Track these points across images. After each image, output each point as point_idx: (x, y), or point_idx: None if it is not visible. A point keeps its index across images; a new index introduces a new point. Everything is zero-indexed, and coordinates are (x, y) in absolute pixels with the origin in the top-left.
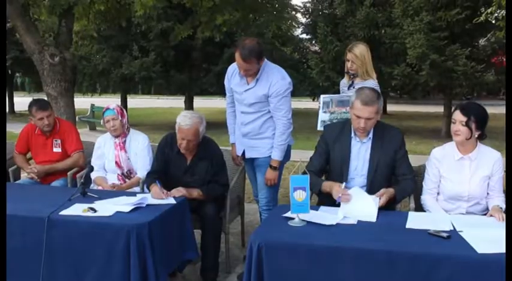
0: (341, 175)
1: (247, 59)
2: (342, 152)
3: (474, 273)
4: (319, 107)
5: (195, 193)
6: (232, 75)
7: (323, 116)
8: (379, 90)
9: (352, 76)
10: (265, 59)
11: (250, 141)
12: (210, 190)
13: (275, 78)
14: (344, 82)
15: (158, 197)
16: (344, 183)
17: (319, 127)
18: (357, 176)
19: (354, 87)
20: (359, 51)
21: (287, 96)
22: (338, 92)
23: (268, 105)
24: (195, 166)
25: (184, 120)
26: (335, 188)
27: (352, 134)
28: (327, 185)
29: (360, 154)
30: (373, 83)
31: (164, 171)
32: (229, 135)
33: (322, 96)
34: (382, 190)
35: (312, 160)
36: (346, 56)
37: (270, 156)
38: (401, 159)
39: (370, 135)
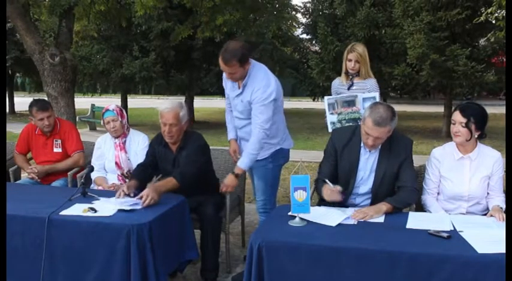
0: (347, 183)
1: (229, 63)
2: (351, 161)
3: (474, 273)
4: (325, 108)
5: (163, 188)
6: (226, 79)
7: (331, 118)
8: (379, 89)
9: (351, 76)
10: (255, 63)
11: (246, 144)
12: (183, 172)
13: (257, 85)
14: (339, 82)
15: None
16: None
17: (330, 129)
18: (362, 185)
19: (354, 87)
20: (362, 51)
21: (267, 106)
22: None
23: None
24: (179, 157)
25: (166, 105)
26: (324, 191)
27: (362, 143)
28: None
29: (367, 165)
30: (373, 81)
31: (152, 165)
32: (228, 133)
33: (326, 97)
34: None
35: (321, 166)
36: (347, 56)
37: (264, 159)
38: (404, 167)
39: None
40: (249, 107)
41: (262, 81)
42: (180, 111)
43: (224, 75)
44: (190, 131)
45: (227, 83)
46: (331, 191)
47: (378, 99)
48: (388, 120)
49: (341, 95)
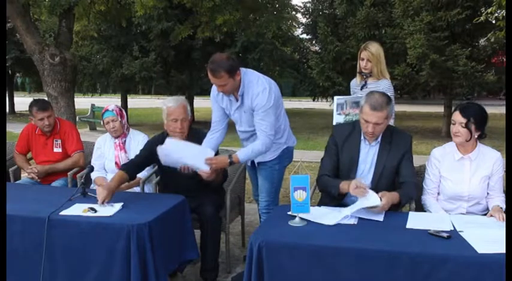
0: (348, 177)
1: (217, 74)
2: (351, 155)
3: (474, 273)
4: (333, 109)
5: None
6: (218, 94)
7: (338, 118)
8: (393, 91)
9: (365, 76)
10: (246, 70)
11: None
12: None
13: (255, 91)
14: (355, 82)
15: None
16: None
17: None
18: (362, 180)
19: (367, 88)
20: (375, 49)
21: (268, 112)
22: (338, 92)
23: None
24: None
25: (170, 102)
26: (351, 185)
27: (362, 137)
28: (344, 185)
29: (368, 158)
30: (387, 82)
31: (140, 166)
32: None
33: (336, 97)
34: (384, 192)
35: (323, 162)
36: (359, 55)
37: (271, 160)
38: (404, 162)
39: (379, 139)
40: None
41: (259, 86)
42: (186, 104)
43: (213, 94)
44: (194, 127)
45: (223, 100)
46: (358, 186)
47: None
48: (384, 104)
49: (353, 95)
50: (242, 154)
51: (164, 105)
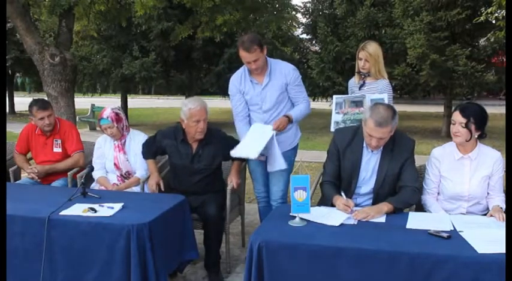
0: (350, 183)
1: (251, 49)
2: (353, 161)
3: (474, 273)
4: (332, 107)
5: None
6: (241, 83)
7: (336, 117)
8: (392, 90)
9: (363, 76)
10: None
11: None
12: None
13: (287, 69)
14: (353, 82)
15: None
16: (344, 195)
17: (333, 129)
18: (364, 185)
19: (365, 87)
20: (372, 50)
21: (301, 83)
22: (338, 92)
23: (287, 97)
24: (201, 152)
25: (193, 103)
26: (337, 203)
27: (364, 144)
28: (334, 199)
29: (370, 165)
30: (385, 82)
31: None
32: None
33: (334, 96)
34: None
35: (325, 168)
36: (358, 55)
37: (290, 149)
38: (406, 167)
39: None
40: (284, 90)
41: (287, 65)
42: (206, 105)
43: (234, 83)
44: (210, 128)
45: (244, 88)
46: (344, 204)
47: (386, 101)
48: (390, 119)
49: (351, 94)
50: (294, 113)
51: (185, 106)
